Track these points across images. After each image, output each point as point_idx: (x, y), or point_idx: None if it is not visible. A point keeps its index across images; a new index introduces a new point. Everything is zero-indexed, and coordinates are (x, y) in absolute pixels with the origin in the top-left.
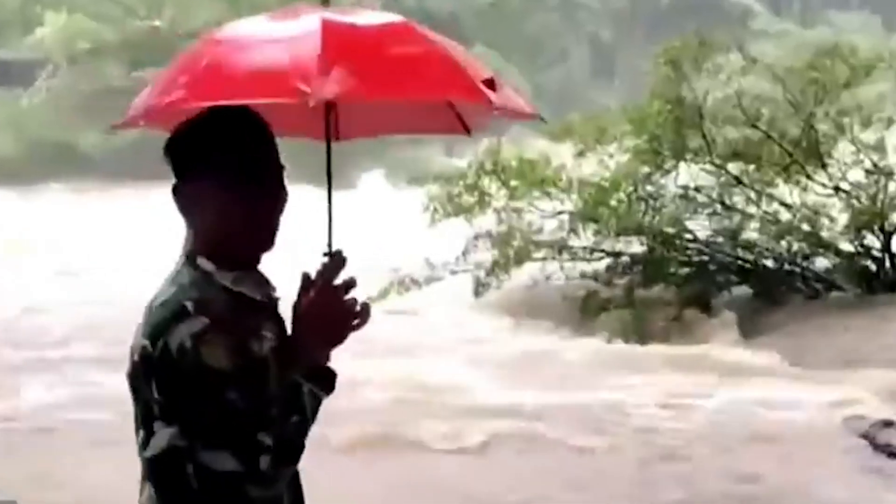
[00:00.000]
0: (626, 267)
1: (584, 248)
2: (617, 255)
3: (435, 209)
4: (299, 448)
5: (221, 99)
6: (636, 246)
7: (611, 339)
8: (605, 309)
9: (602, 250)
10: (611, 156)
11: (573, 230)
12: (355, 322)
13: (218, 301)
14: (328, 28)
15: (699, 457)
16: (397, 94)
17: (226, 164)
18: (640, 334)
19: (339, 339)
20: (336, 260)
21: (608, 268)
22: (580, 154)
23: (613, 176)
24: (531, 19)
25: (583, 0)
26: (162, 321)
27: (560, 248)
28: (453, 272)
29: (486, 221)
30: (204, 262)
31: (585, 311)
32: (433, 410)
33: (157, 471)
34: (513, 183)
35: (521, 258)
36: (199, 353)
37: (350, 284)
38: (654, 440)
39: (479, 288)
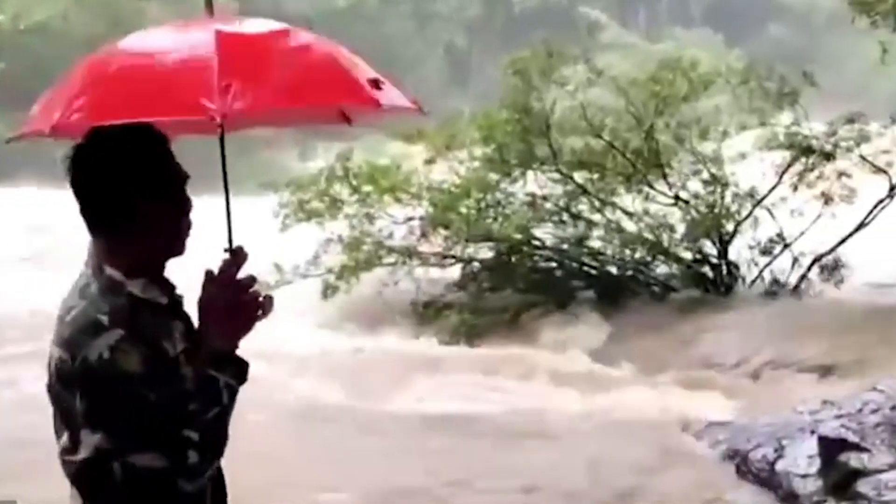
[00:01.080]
0: (475, 273)
1: (435, 254)
2: (467, 261)
3: (286, 214)
4: (222, 439)
5: (128, 117)
6: (486, 252)
7: (450, 343)
8: (441, 314)
9: (452, 256)
10: (461, 162)
11: (424, 236)
12: (259, 312)
13: (129, 311)
14: (222, 40)
15: (479, 454)
16: (294, 102)
17: (146, 176)
18: (471, 338)
19: (244, 329)
20: (237, 256)
21: (462, 274)
22: (430, 161)
23: (463, 183)
24: (386, 25)
25: (437, 8)
26: (79, 336)
27: (410, 253)
28: (304, 276)
29: (339, 226)
30: (112, 272)
31: (424, 315)
32: None
33: (84, 475)
34: (364, 188)
35: (370, 263)
36: (116, 363)
37: (251, 279)
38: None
39: (328, 291)
